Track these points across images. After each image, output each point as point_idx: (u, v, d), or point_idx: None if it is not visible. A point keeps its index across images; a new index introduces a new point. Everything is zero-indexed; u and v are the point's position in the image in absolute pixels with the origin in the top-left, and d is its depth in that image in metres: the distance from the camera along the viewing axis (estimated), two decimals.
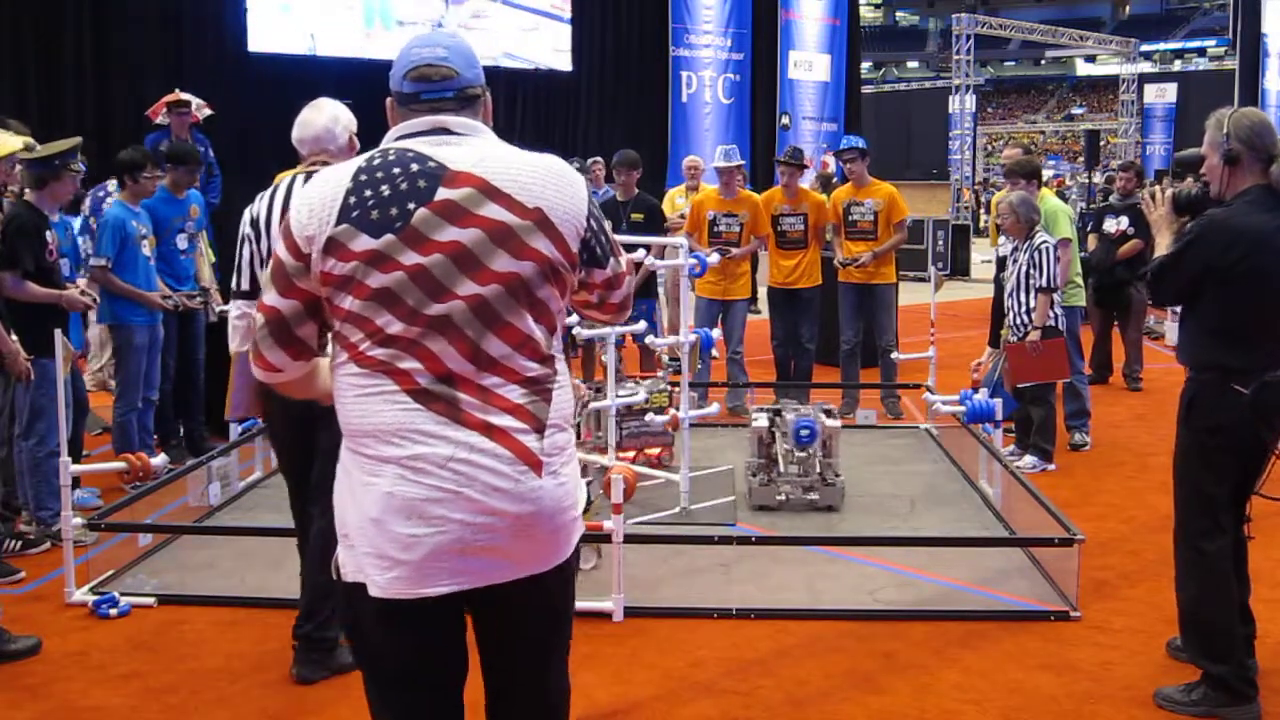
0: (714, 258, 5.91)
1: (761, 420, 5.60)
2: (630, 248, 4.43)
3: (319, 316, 1.95)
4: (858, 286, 7.60)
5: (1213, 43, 52.10)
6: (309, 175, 3.58)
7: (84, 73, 9.77)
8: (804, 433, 5.38)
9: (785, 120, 16.43)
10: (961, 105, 22.78)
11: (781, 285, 7.75)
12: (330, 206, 1.89)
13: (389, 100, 2.02)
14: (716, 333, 6.24)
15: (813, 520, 5.27)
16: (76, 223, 6.80)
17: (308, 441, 3.55)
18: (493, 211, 1.88)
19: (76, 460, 5.08)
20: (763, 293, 9.50)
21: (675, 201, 9.57)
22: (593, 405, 5.56)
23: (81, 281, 5.57)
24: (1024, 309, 6.05)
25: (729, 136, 14.47)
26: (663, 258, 6.72)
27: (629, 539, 4.25)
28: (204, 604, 4.30)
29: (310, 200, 1.92)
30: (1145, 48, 36.94)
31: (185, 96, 7.37)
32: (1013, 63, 60.93)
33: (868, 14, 54.91)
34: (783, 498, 5.42)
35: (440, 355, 1.86)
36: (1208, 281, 3.36)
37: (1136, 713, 3.46)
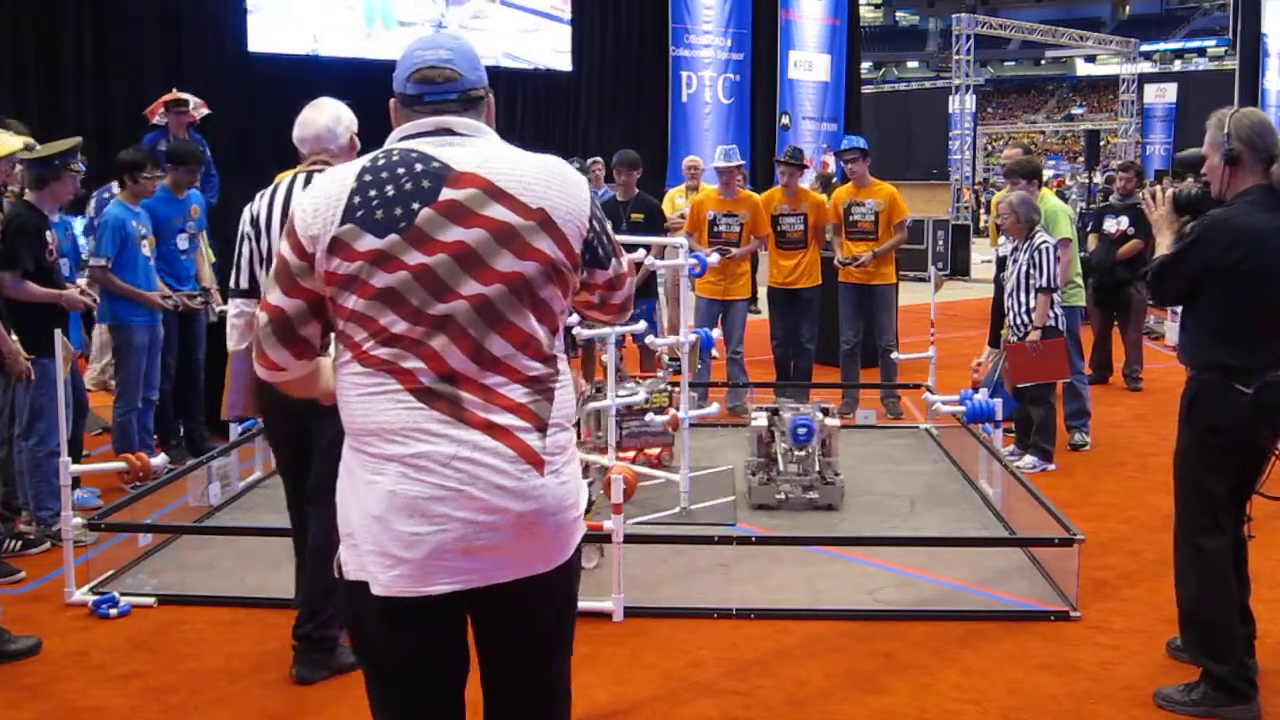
0: (714, 258, 5.91)
1: (761, 419, 5.61)
2: (630, 248, 4.43)
3: (322, 316, 1.96)
4: (858, 286, 7.60)
5: (1213, 43, 52.12)
6: (309, 175, 3.58)
7: (84, 73, 9.78)
8: (801, 431, 5.39)
9: (785, 120, 16.45)
10: (961, 105, 22.78)
11: (781, 285, 7.75)
12: (335, 206, 1.90)
13: (392, 101, 2.03)
14: (716, 333, 6.24)
15: (813, 520, 5.27)
16: (78, 223, 6.81)
17: (306, 441, 3.55)
18: (496, 212, 1.89)
19: (76, 460, 5.08)
20: (763, 293, 9.51)
21: (675, 201, 9.57)
22: (593, 405, 5.56)
23: (82, 281, 5.57)
24: (1024, 309, 6.05)
25: (729, 136, 14.49)
26: (663, 258, 6.72)
27: (629, 539, 4.25)
28: (204, 604, 4.30)
29: (315, 200, 1.93)
30: (1145, 48, 36.95)
31: (183, 96, 7.37)
32: (1013, 63, 60.95)
33: (868, 14, 54.92)
34: (782, 496, 5.42)
35: (443, 354, 1.87)
36: (1209, 281, 3.36)
37: (1136, 713, 3.46)
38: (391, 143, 1.99)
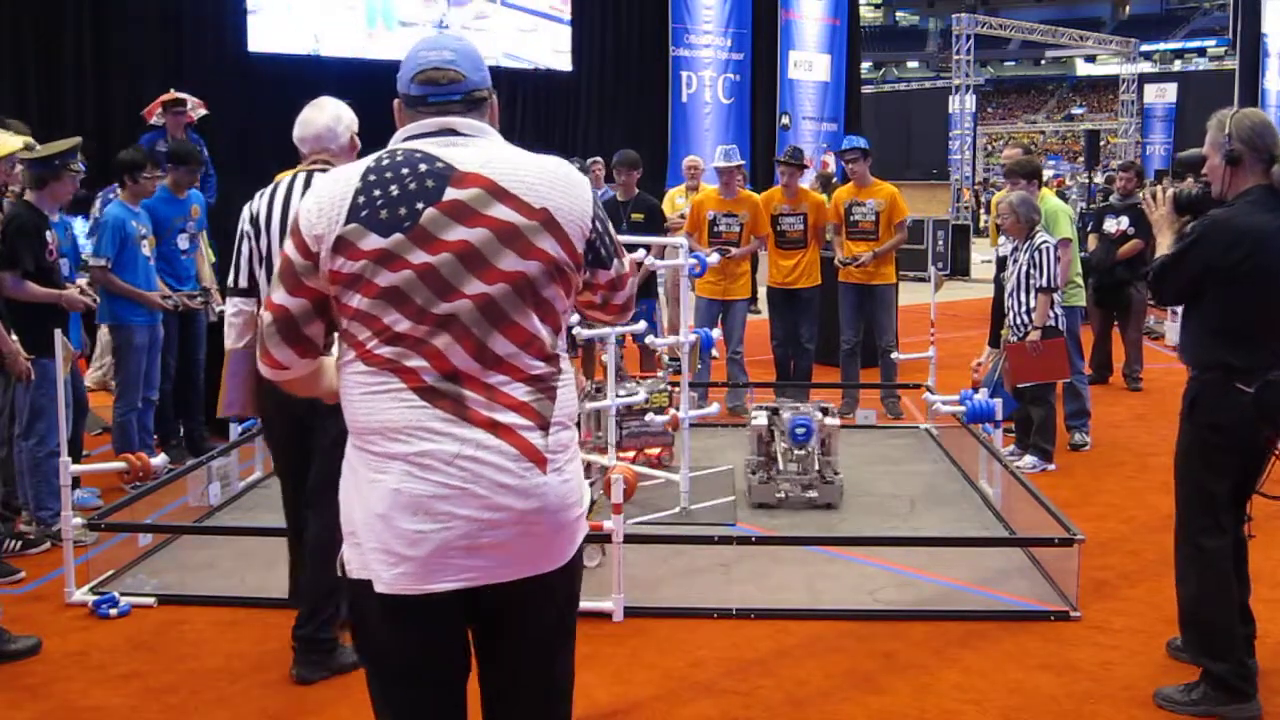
0: (714, 258, 5.91)
1: (760, 419, 5.61)
2: (630, 248, 4.42)
3: (326, 315, 1.97)
4: (858, 286, 7.60)
5: (1213, 43, 52.13)
6: (309, 174, 3.58)
7: (84, 73, 9.77)
8: (800, 430, 5.39)
9: (785, 120, 16.44)
10: (961, 105, 22.79)
11: (781, 285, 7.75)
12: (339, 206, 1.91)
13: (396, 102, 2.05)
14: (716, 333, 6.24)
15: (813, 520, 5.27)
16: (79, 224, 6.80)
17: (307, 441, 3.55)
18: (500, 212, 1.90)
19: (76, 460, 5.08)
20: (762, 293, 9.51)
21: (675, 201, 9.57)
22: (592, 405, 5.57)
23: (81, 281, 5.57)
24: (1024, 309, 6.05)
25: (729, 136, 14.48)
26: (663, 258, 6.72)
27: (629, 539, 4.25)
28: (204, 604, 4.30)
29: (320, 199, 1.94)
30: (1145, 48, 36.96)
31: (181, 96, 7.37)
32: (1013, 63, 60.96)
33: (868, 14, 54.93)
34: (782, 495, 5.42)
35: (447, 353, 1.89)
36: (1210, 281, 3.37)
37: (1136, 713, 3.46)
38: (396, 143, 2.00)
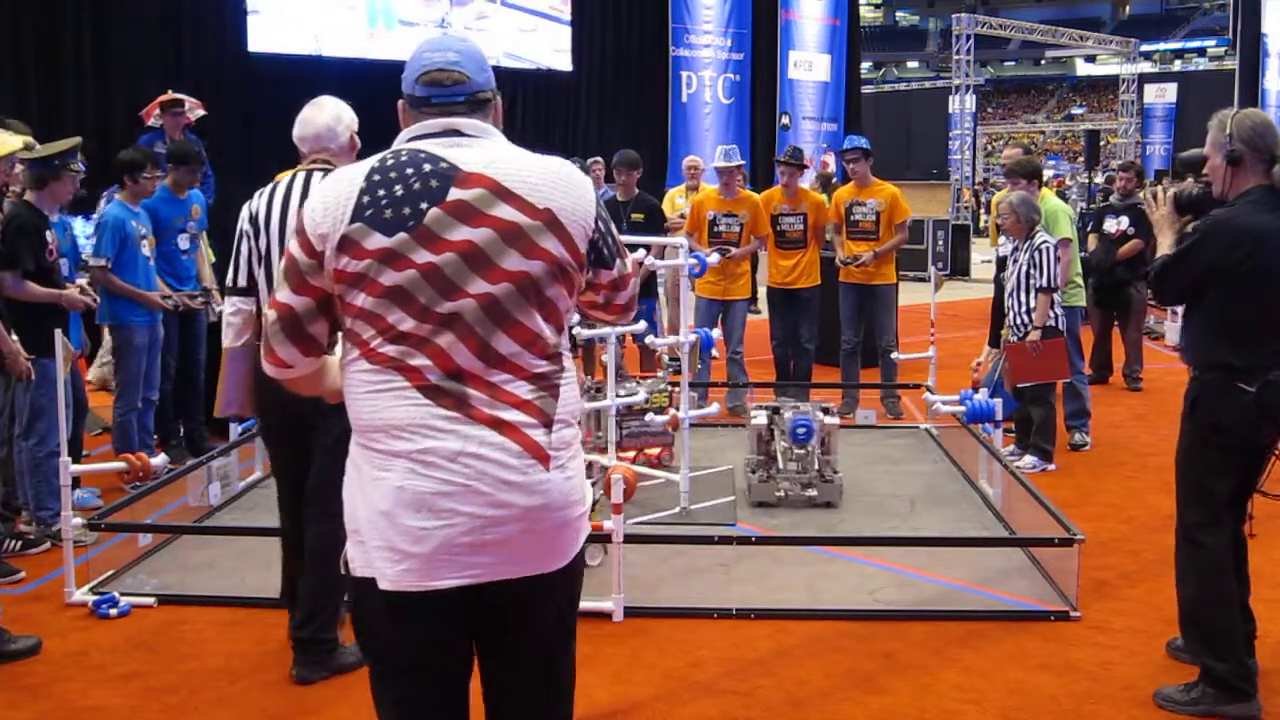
0: (714, 258, 5.91)
1: (760, 418, 5.61)
2: (631, 248, 4.42)
3: (330, 314, 1.98)
4: (858, 286, 7.60)
5: (1213, 43, 52.13)
6: (309, 174, 3.58)
7: (84, 73, 9.76)
8: (800, 430, 5.40)
9: (785, 120, 16.44)
10: (961, 105, 22.80)
11: (781, 285, 7.75)
12: (344, 205, 1.92)
13: (400, 102, 2.06)
14: (716, 333, 6.24)
15: (812, 520, 5.28)
16: (79, 224, 6.80)
17: (306, 441, 3.55)
18: (504, 212, 1.91)
19: (76, 460, 5.08)
20: (762, 293, 9.51)
21: (675, 201, 9.57)
22: (592, 405, 5.57)
23: (82, 281, 5.57)
24: (1024, 309, 6.05)
25: (729, 136, 14.48)
26: (663, 258, 6.72)
27: (629, 539, 4.26)
28: (204, 604, 4.30)
29: (324, 199, 1.95)
30: (1145, 48, 36.97)
31: (178, 97, 7.37)
32: (1013, 63, 60.96)
33: (868, 14, 54.94)
34: (781, 494, 5.43)
35: (450, 352, 1.90)
36: (1211, 281, 3.37)
37: (1136, 713, 3.46)
38: (400, 143, 2.01)
